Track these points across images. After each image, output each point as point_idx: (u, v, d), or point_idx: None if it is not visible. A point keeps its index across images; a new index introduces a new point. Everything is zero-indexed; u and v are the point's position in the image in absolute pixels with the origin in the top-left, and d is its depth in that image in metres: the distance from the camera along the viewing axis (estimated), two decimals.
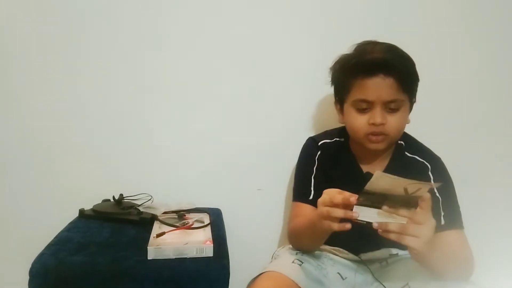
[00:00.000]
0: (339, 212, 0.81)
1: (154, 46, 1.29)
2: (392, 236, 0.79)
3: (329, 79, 1.09)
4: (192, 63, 1.30)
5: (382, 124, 0.97)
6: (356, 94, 0.99)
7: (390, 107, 0.98)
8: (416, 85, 1.03)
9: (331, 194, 0.84)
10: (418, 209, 0.78)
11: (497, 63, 1.39)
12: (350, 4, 1.31)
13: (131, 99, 1.31)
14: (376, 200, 0.78)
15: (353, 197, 0.78)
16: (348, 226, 0.81)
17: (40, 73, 1.27)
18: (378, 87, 0.96)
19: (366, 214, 0.79)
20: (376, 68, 0.95)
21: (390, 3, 1.33)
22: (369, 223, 0.79)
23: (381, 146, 1.01)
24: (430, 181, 1.02)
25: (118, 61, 1.28)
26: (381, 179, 0.74)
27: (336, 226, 0.82)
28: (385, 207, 0.78)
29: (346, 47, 1.05)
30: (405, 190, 0.75)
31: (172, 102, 1.32)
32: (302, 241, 1.07)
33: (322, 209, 0.84)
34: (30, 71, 1.27)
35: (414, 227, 0.78)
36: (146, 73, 1.30)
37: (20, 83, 1.27)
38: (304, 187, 1.10)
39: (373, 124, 0.98)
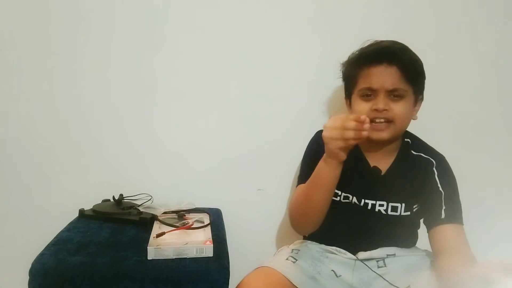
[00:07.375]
0: (351, 133, 0.88)
1: (154, 46, 1.29)
2: None
3: (340, 75, 1.14)
4: (192, 64, 1.30)
5: (385, 110, 1.01)
6: (362, 83, 1.04)
7: (394, 94, 1.02)
8: (422, 80, 1.06)
9: (341, 118, 0.90)
10: None
11: (497, 63, 1.39)
12: (354, 4, 1.31)
13: (131, 99, 1.30)
14: None
15: (363, 116, 0.88)
16: (365, 133, 0.88)
17: (40, 73, 1.27)
18: (382, 75, 1.01)
19: None
20: (379, 56, 1.01)
21: (392, 3, 1.33)
22: None
23: (384, 134, 1.02)
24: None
25: (118, 61, 1.28)
26: None
27: (352, 141, 0.89)
28: None
29: (350, 48, 1.07)
30: None
31: (172, 102, 1.32)
32: (307, 206, 1.03)
33: (332, 132, 0.90)
34: (30, 71, 1.26)
35: None
36: (146, 73, 1.30)
37: (20, 83, 1.27)
38: (308, 173, 1.06)
39: (376, 110, 1.01)
